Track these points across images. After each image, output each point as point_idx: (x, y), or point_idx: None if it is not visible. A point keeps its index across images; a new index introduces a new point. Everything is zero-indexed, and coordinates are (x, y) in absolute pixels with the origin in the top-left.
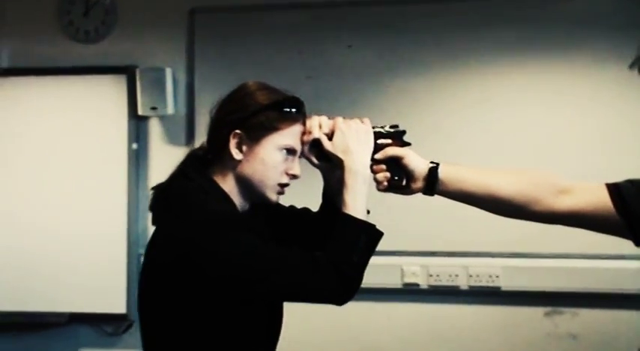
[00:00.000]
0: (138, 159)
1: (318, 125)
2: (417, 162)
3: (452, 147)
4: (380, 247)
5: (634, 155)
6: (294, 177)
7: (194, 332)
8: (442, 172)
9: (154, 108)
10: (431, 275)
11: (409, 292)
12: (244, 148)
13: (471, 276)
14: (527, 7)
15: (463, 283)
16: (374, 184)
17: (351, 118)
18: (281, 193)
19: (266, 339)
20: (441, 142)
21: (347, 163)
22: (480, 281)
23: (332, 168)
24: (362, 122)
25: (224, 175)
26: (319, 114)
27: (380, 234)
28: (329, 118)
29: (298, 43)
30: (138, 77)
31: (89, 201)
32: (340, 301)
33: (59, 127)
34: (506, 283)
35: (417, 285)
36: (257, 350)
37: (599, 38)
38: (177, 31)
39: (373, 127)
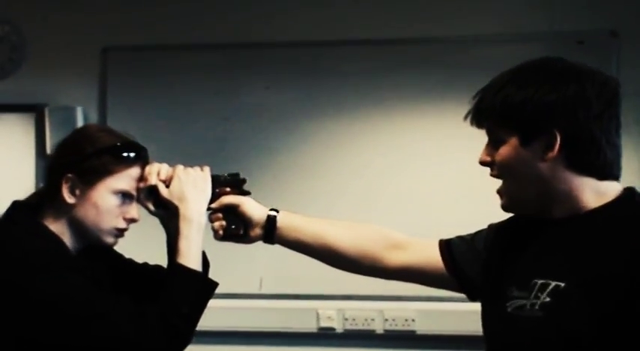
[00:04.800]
0: None
1: (156, 172)
2: (254, 210)
3: (373, 190)
4: (295, 290)
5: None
6: (132, 221)
7: None
8: (280, 221)
9: None
10: (347, 319)
11: (325, 337)
12: (77, 191)
13: (386, 320)
14: (445, 51)
15: (379, 327)
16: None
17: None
18: (119, 236)
19: None
20: (358, 186)
21: (182, 211)
22: (396, 325)
23: (170, 216)
24: (201, 170)
25: (56, 218)
26: (233, 156)
27: (213, 284)
28: (170, 166)
29: (214, 84)
30: (47, 116)
31: None
32: None
33: None
34: (422, 327)
35: (333, 329)
36: None
37: None
38: (89, 69)
39: (213, 176)
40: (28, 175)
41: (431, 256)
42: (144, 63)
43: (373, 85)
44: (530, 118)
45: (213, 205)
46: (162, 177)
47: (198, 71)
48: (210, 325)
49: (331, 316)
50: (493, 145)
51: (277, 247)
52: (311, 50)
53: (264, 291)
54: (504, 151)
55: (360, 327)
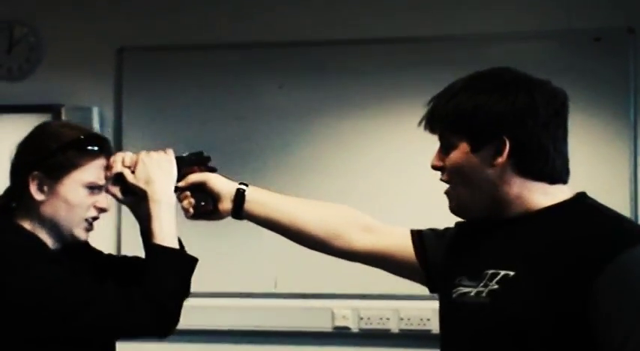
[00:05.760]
0: None
1: (120, 160)
2: (222, 184)
3: (384, 188)
4: (310, 289)
5: None
6: (102, 210)
7: None
8: (249, 194)
9: None
10: (362, 318)
11: (340, 336)
12: (45, 188)
13: (402, 319)
14: (458, 49)
15: (394, 327)
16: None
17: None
18: (89, 229)
19: None
20: (373, 184)
21: (150, 193)
22: (412, 324)
23: (139, 202)
24: (165, 153)
25: (27, 218)
26: (247, 155)
27: (193, 259)
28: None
29: (228, 83)
30: (64, 116)
31: None
32: (159, 332)
33: None
34: (437, 326)
35: (348, 328)
36: None
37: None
38: (105, 69)
39: (177, 157)
40: None
41: (401, 243)
42: (159, 63)
43: (387, 84)
44: (481, 125)
45: (180, 184)
46: (127, 163)
47: (212, 71)
48: (225, 325)
49: (346, 315)
50: (444, 150)
51: (292, 247)
52: (324, 49)
53: (278, 290)
54: (455, 156)
55: (375, 326)
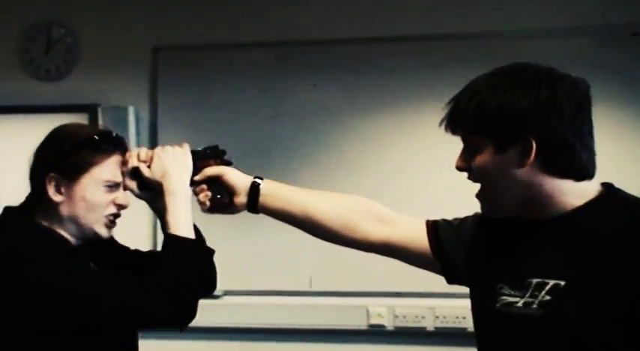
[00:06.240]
0: None
1: (136, 155)
2: (238, 178)
3: (416, 186)
4: (345, 287)
5: None
6: (121, 207)
7: None
8: (264, 187)
9: None
10: (397, 316)
11: (375, 334)
12: (62, 189)
13: (437, 317)
14: (490, 46)
15: (430, 325)
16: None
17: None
18: (111, 226)
19: None
20: (405, 181)
21: (166, 186)
22: (447, 322)
23: (156, 196)
24: (180, 147)
25: (48, 219)
26: (282, 153)
27: (207, 250)
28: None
29: (262, 82)
30: (100, 116)
31: None
32: (176, 322)
33: (18, 168)
34: (473, 325)
35: (383, 326)
36: None
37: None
38: (140, 69)
39: (192, 151)
40: None
41: (416, 235)
42: (193, 62)
43: (420, 82)
44: (505, 126)
45: (196, 178)
46: (143, 158)
47: (246, 70)
48: (260, 322)
49: (381, 313)
50: (468, 151)
51: (327, 245)
52: (358, 47)
53: (313, 288)
54: (481, 158)
55: (410, 324)
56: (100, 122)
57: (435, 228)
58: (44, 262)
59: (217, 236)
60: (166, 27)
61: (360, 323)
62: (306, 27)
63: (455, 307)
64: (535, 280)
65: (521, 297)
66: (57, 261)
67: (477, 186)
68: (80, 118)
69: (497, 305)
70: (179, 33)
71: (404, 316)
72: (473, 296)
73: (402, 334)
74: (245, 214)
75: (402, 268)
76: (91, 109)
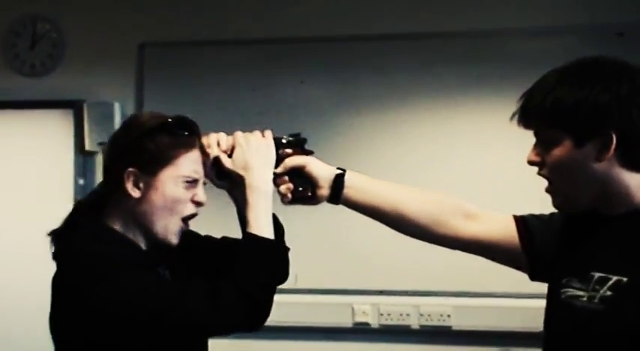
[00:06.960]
0: (84, 195)
1: (216, 143)
2: (321, 169)
3: (406, 184)
4: (330, 285)
5: None
6: (199, 204)
7: None
8: (348, 180)
9: (101, 143)
10: (382, 314)
11: (360, 332)
12: (141, 184)
13: (422, 315)
14: (478, 45)
15: (414, 323)
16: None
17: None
18: (185, 228)
19: None
20: (394, 179)
21: (248, 180)
22: (431, 320)
23: (235, 186)
24: (263, 136)
25: (120, 217)
26: None
27: (285, 249)
28: (227, 134)
29: (250, 79)
30: (85, 112)
31: (33, 237)
32: (249, 325)
33: (3, 163)
34: (458, 323)
35: (368, 324)
36: None
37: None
38: (126, 65)
39: (274, 139)
40: (68, 170)
41: (504, 230)
42: (180, 59)
43: (407, 80)
44: (585, 120)
45: (278, 170)
46: (224, 147)
47: (233, 67)
48: None
49: (366, 311)
50: (543, 145)
51: (313, 242)
52: (346, 45)
53: (299, 286)
54: (558, 152)
55: (395, 322)
56: (85, 119)
57: (523, 222)
58: (115, 279)
59: (203, 233)
60: (153, 23)
61: (345, 321)
62: (293, 24)
63: (439, 306)
64: (598, 275)
65: (584, 290)
66: (128, 278)
67: (463, 183)
68: (65, 114)
69: (563, 296)
70: (166, 29)
71: (389, 314)
72: (549, 284)
73: (387, 332)
74: (230, 212)
75: (387, 266)
76: (76, 105)
